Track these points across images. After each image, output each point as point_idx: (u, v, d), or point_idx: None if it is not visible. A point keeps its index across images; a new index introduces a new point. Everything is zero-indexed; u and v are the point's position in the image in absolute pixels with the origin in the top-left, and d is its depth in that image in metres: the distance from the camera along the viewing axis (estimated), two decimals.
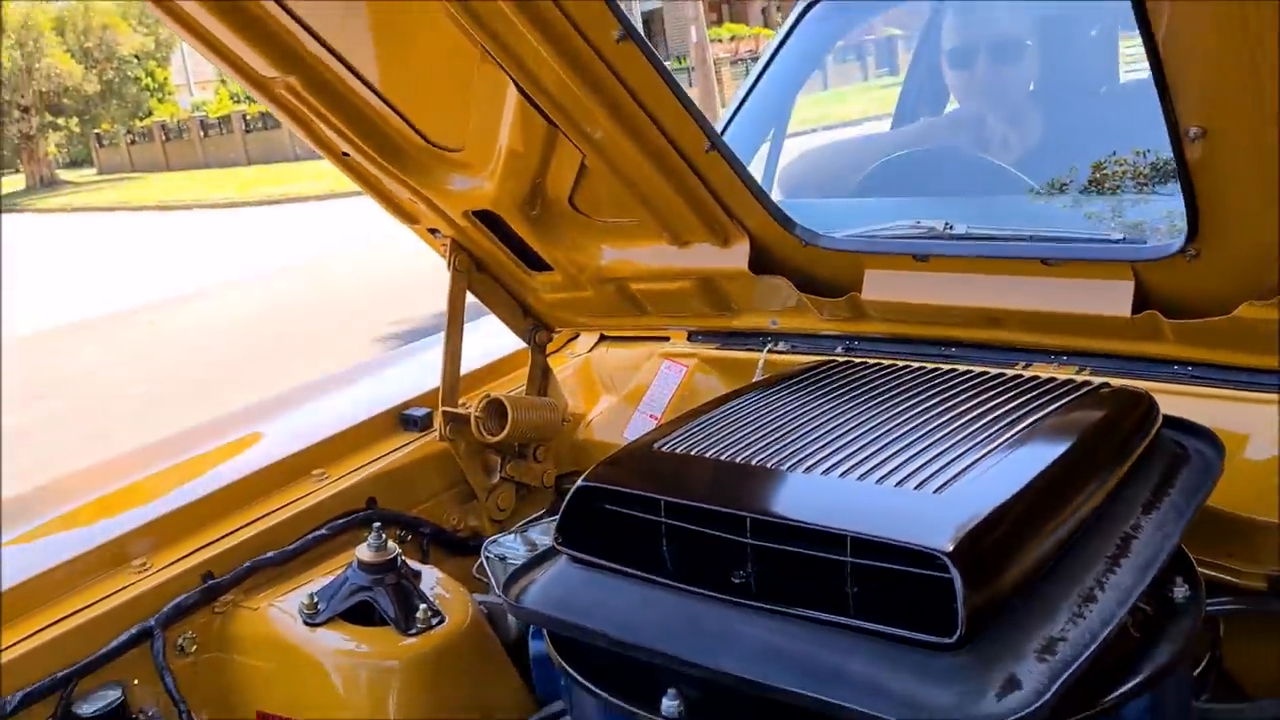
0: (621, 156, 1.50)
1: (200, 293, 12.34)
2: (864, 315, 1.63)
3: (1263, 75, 1.03)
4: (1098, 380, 1.35)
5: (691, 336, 2.06)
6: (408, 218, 1.86)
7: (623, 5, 1.32)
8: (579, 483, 1.21)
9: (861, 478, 1.10)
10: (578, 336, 2.29)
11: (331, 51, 1.52)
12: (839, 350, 1.82)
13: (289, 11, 1.46)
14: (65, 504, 1.85)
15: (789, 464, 1.16)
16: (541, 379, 2.03)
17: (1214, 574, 1.43)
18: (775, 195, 2.90)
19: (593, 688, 1.10)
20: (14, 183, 37.47)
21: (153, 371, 8.55)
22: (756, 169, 3.00)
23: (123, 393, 8.00)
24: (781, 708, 1.00)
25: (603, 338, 2.26)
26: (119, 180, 33.47)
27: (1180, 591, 1.14)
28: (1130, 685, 1.01)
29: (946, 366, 1.45)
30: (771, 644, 1.03)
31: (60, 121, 35.95)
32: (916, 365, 1.46)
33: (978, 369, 1.42)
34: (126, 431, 6.47)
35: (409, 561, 1.67)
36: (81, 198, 29.65)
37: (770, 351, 1.90)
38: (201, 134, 34.46)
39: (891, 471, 1.11)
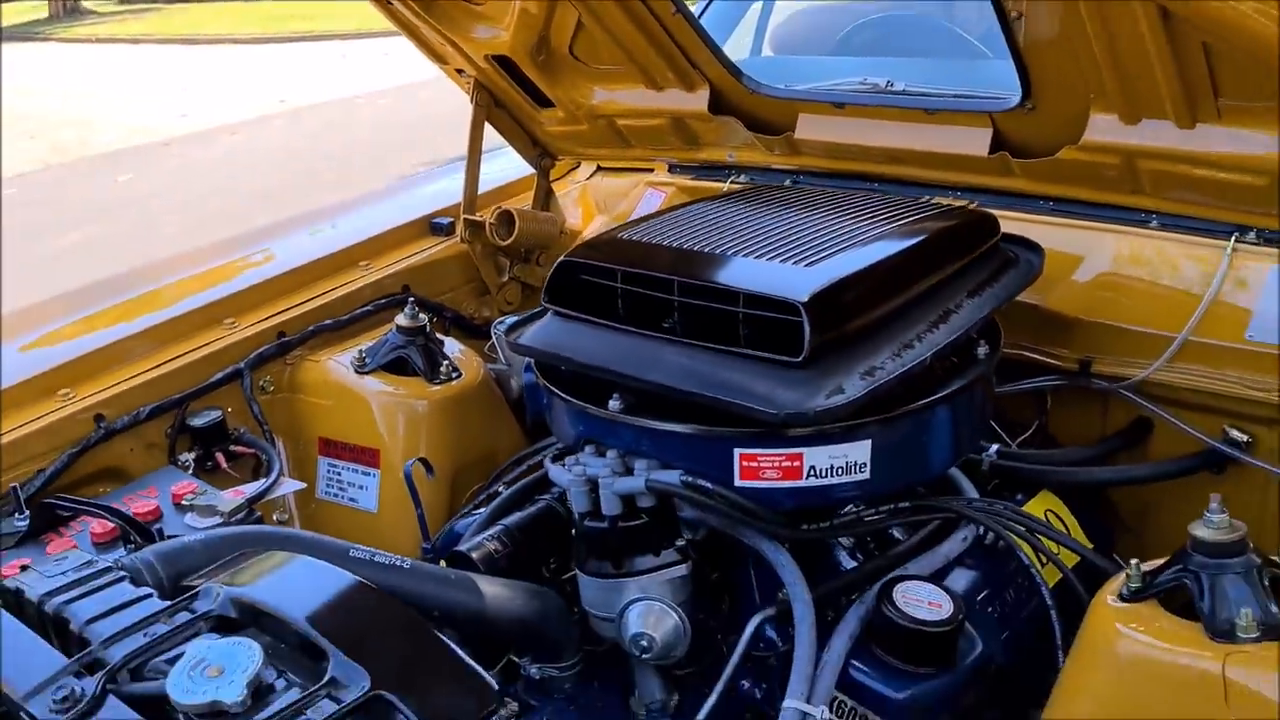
0: (608, 16, 1.92)
1: (228, 127, 12.62)
2: (800, 152, 2.06)
3: None
4: (959, 204, 1.80)
5: (671, 169, 2.48)
6: (438, 59, 2.27)
7: None
8: (561, 258, 1.67)
9: (758, 256, 1.55)
10: (579, 166, 2.71)
11: None
12: (788, 183, 2.25)
13: None
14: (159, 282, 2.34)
15: (709, 247, 1.61)
16: (545, 199, 2.48)
17: (1042, 358, 1.90)
18: (765, 51, 3.28)
19: (564, 395, 1.59)
20: (37, 9, 37.03)
21: (186, 201, 8.97)
22: (749, 25, 3.37)
23: (159, 219, 8.45)
24: (689, 406, 1.48)
25: (599, 168, 2.69)
26: (142, 11, 33.13)
27: (982, 350, 1.61)
28: (925, 400, 1.48)
29: (852, 191, 1.90)
30: (686, 365, 1.50)
31: None
32: (830, 189, 1.90)
33: (874, 195, 1.87)
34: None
35: (435, 333, 2.15)
36: (106, 29, 29.45)
37: (733, 182, 2.34)
38: None
39: (780, 252, 1.56)
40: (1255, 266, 1.79)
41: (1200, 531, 1.25)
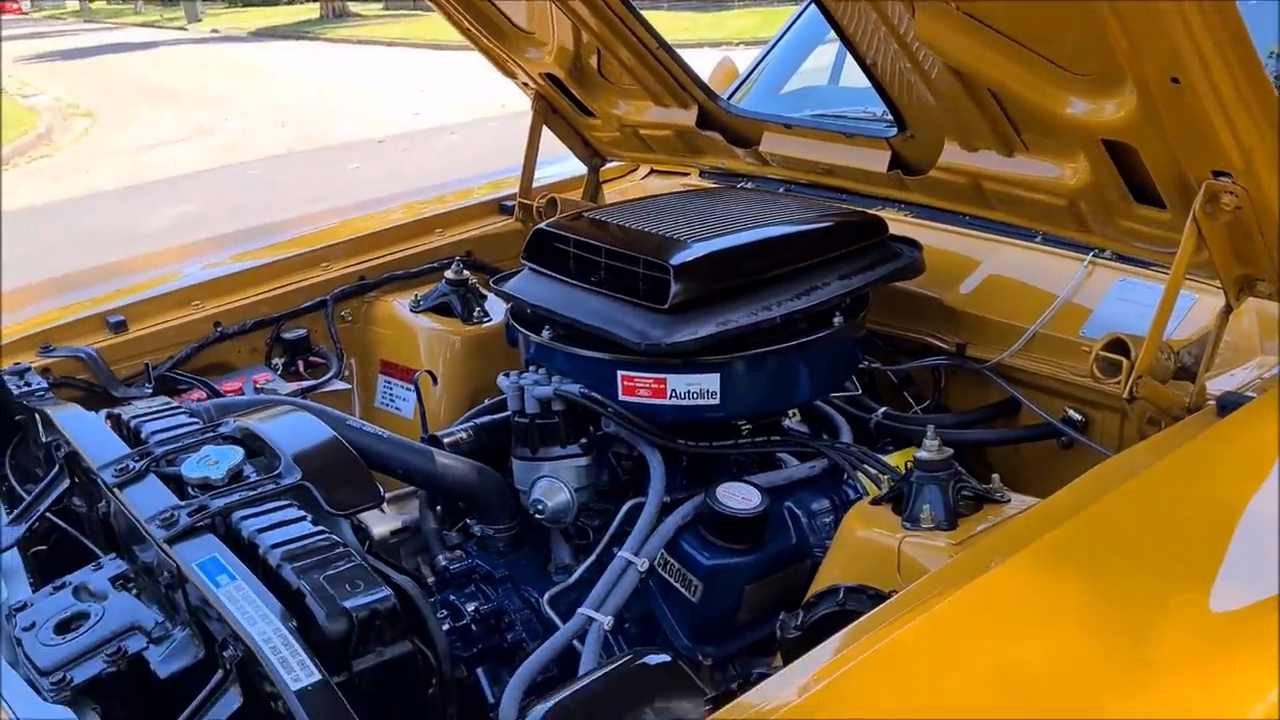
0: (612, 47, 2.45)
1: (448, 127, 13.75)
2: (766, 162, 2.52)
3: (893, 31, 1.86)
4: (856, 208, 2.24)
5: (702, 174, 2.99)
6: (509, 74, 2.85)
7: None
8: (536, 227, 2.21)
9: (670, 234, 2.04)
10: (638, 168, 3.25)
11: None
12: (781, 190, 2.71)
13: None
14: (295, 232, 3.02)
15: (643, 226, 2.11)
16: (594, 191, 3.02)
17: (935, 341, 2.30)
18: (842, 80, 3.71)
19: (516, 325, 2.13)
20: (309, 11, 40.28)
21: (395, 189, 10.00)
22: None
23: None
24: (594, 338, 1.99)
25: (652, 170, 3.21)
26: (402, 16, 35.65)
27: (837, 320, 2.04)
28: (762, 350, 1.94)
29: (786, 194, 2.36)
30: (598, 308, 2.01)
31: None
32: (771, 192, 2.37)
33: (800, 198, 2.33)
34: None
35: (479, 287, 2.73)
36: (367, 30, 31.90)
37: (741, 187, 2.82)
38: None
39: (690, 232, 2.04)
40: (1107, 278, 2.15)
41: (920, 454, 1.67)
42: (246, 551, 1.53)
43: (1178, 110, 1.49)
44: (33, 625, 1.60)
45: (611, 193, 3.12)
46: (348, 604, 1.38)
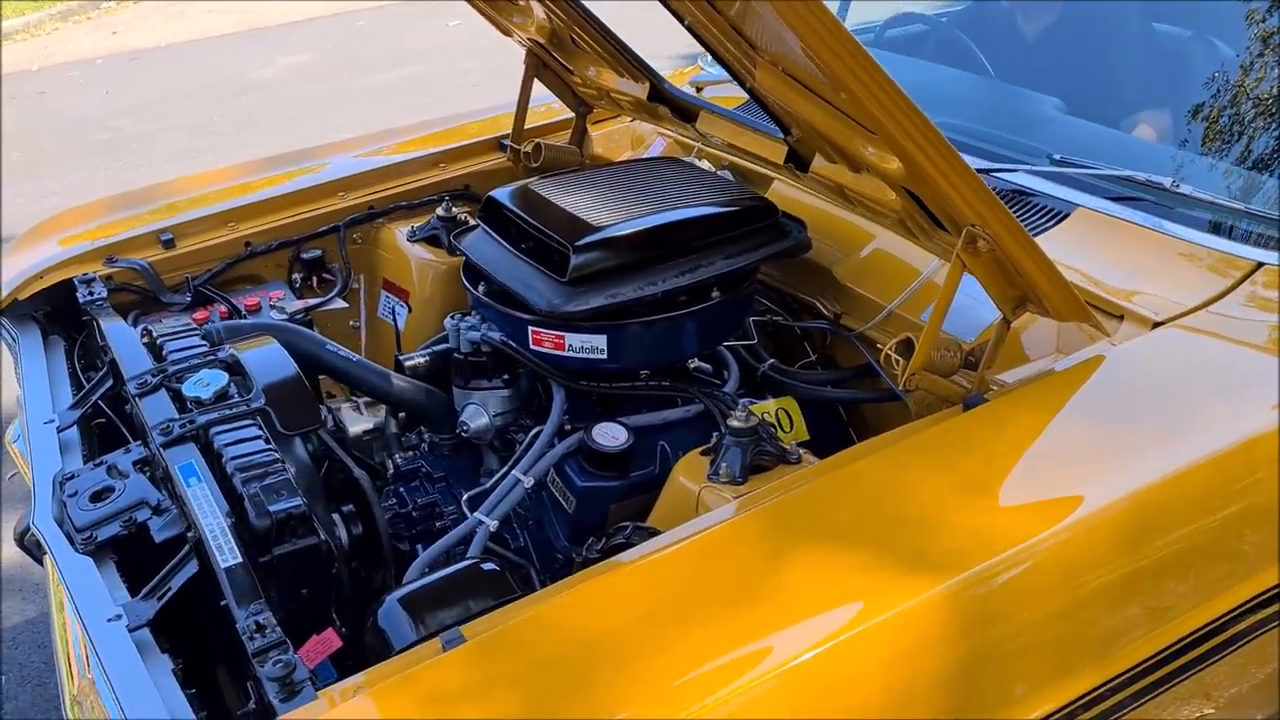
0: (573, 28, 2.85)
1: None
2: (705, 137, 2.92)
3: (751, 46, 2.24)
4: (749, 191, 2.66)
5: None
6: (505, 31, 3.27)
7: None
8: (488, 195, 2.68)
9: (586, 215, 2.49)
10: (621, 115, 3.65)
11: None
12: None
13: None
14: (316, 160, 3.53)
15: (567, 204, 2.56)
16: (580, 136, 3.45)
17: (818, 304, 2.73)
18: None
19: (466, 282, 2.63)
20: None
21: (486, 49, 10.38)
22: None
23: (461, 64, 9.90)
24: (510, 298, 2.48)
25: (635, 117, 3.61)
26: None
27: (716, 294, 2.49)
28: (640, 319, 2.40)
29: (704, 173, 2.78)
30: (521, 273, 2.49)
31: None
32: (691, 168, 2.79)
33: (714, 177, 2.74)
34: (459, 100, 8.39)
35: (468, 218, 3.22)
36: None
37: (702, 146, 3.23)
38: None
39: (601, 211, 2.49)
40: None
41: (731, 422, 2.14)
42: (215, 458, 2.10)
43: (925, 180, 1.89)
44: (75, 493, 2.21)
45: (598, 134, 3.54)
46: (272, 508, 1.94)
